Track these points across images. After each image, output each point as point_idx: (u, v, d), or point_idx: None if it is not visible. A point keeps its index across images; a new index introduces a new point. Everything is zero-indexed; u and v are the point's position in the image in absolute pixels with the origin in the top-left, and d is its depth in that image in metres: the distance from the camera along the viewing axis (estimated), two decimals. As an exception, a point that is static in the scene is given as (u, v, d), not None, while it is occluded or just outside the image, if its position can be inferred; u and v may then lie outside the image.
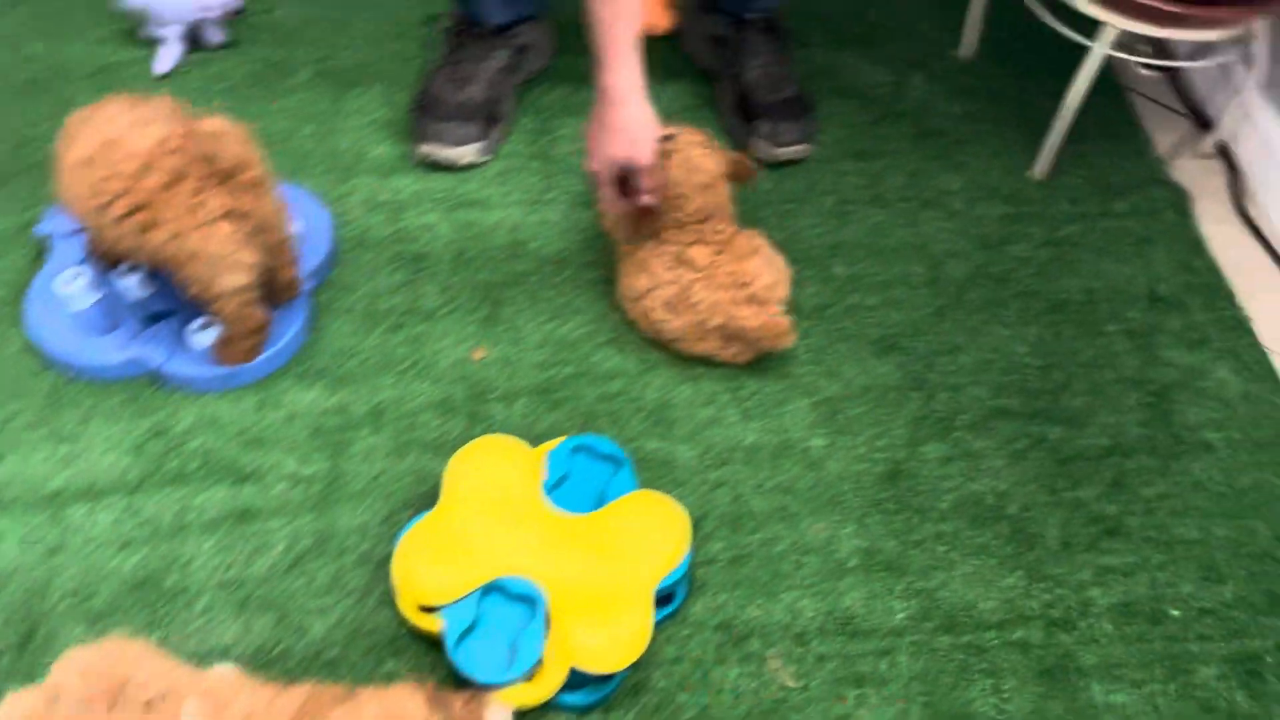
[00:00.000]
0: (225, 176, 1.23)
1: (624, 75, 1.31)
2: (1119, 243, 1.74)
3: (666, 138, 1.45)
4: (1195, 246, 1.75)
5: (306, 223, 1.59)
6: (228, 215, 1.24)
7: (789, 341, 1.49)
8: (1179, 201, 1.81)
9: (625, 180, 1.45)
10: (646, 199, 1.43)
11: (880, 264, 1.69)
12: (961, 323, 1.62)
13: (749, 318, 1.47)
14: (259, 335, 1.41)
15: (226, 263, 1.27)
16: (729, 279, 1.48)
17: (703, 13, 1.86)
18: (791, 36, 1.83)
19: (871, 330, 1.61)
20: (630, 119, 1.34)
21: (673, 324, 1.50)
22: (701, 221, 1.48)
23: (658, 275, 1.49)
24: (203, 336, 1.45)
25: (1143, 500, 1.45)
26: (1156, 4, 1.60)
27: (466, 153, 1.70)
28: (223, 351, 1.42)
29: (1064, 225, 1.76)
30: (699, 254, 1.48)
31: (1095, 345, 1.61)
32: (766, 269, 1.51)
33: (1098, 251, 1.73)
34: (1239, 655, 1.33)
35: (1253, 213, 1.83)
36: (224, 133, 1.23)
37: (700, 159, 1.46)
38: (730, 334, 1.50)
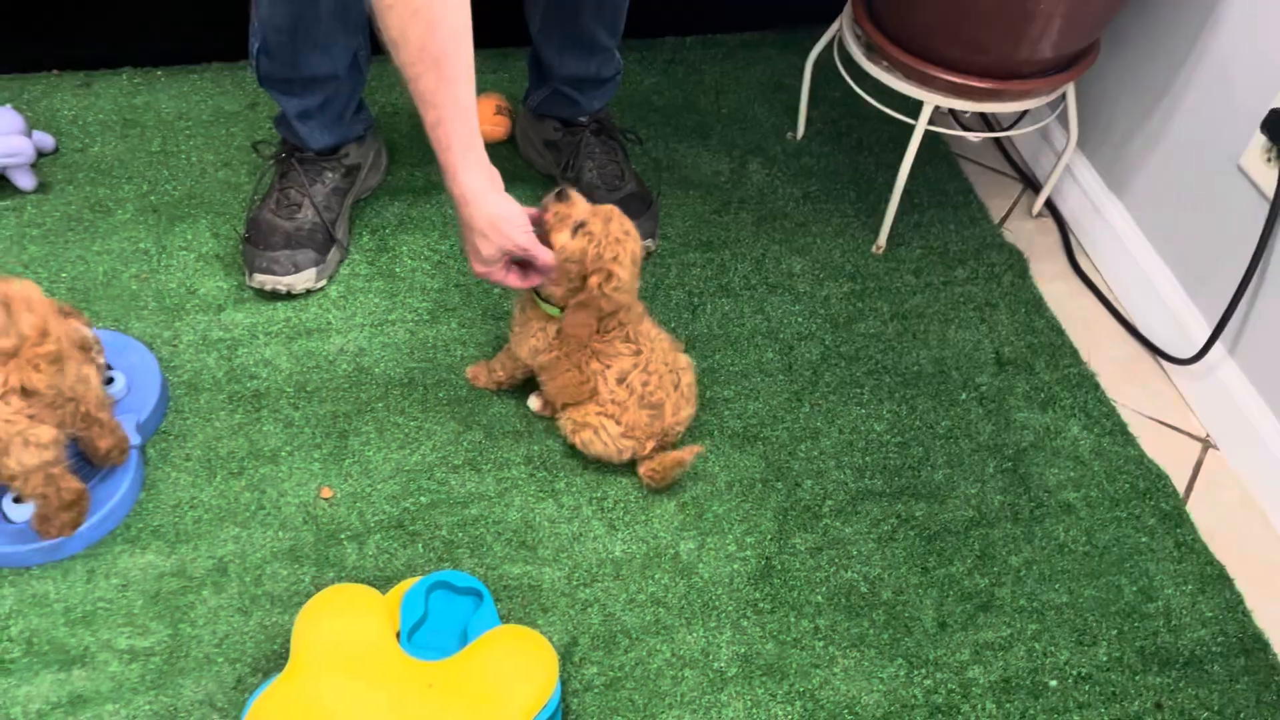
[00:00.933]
0: (12, 352, 1.15)
1: (471, 175, 1.27)
2: (963, 309, 1.78)
3: (560, 213, 1.37)
4: (1036, 306, 1.80)
5: (131, 373, 1.51)
6: (18, 392, 1.16)
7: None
8: (1016, 263, 1.87)
9: (524, 264, 1.39)
10: (546, 272, 1.37)
11: (734, 354, 1.68)
12: (819, 406, 1.62)
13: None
14: (76, 506, 1.31)
15: (16, 443, 1.19)
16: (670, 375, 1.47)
17: (535, 119, 1.85)
18: (622, 135, 1.84)
19: (732, 422, 1.60)
20: (491, 216, 1.30)
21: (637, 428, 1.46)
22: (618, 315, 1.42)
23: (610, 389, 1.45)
24: (18, 510, 1.35)
25: (1011, 570, 1.46)
26: (971, 82, 1.65)
27: (302, 279, 1.64)
28: (41, 526, 1.32)
29: (909, 297, 1.79)
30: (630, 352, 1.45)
31: (950, 415, 1.63)
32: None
33: (943, 320, 1.76)
34: (1120, 719, 1.33)
35: (1084, 267, 1.89)
36: (14, 300, 1.15)
37: (621, 228, 1.38)
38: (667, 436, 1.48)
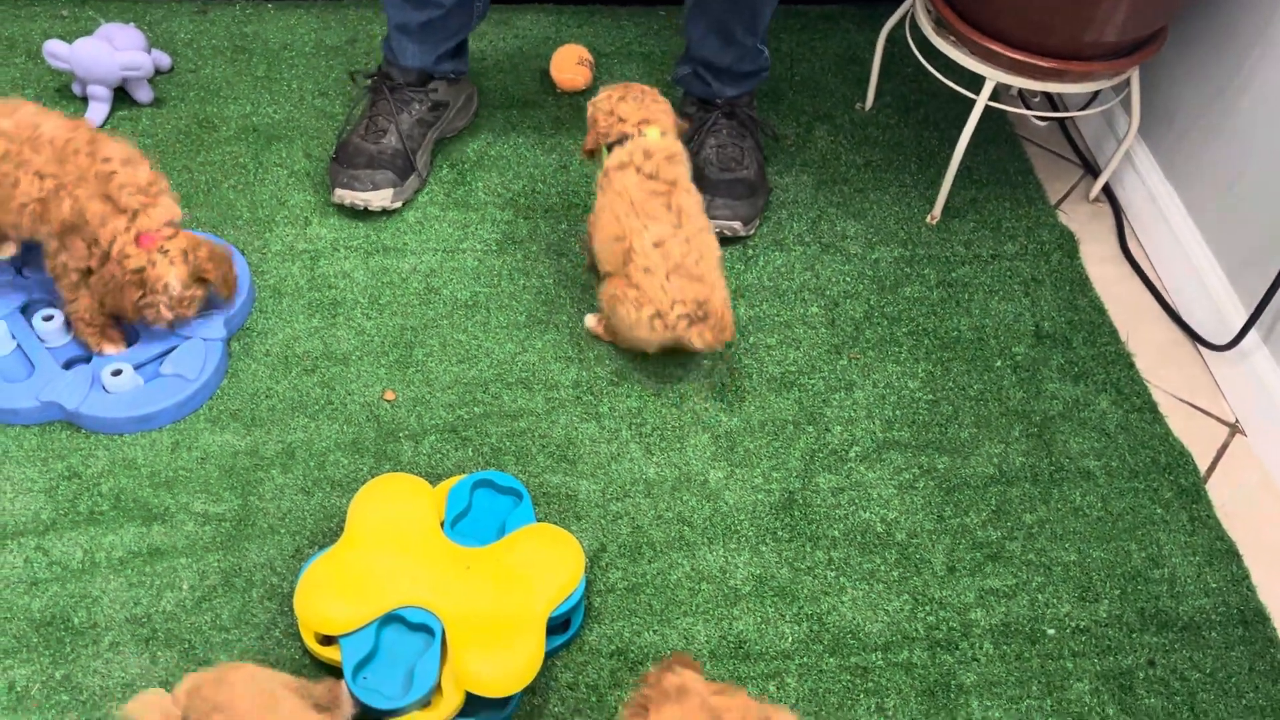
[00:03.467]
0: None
1: None
2: (1008, 283, 1.83)
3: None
4: (1081, 285, 1.85)
5: (224, 271, 1.65)
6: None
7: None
8: (1066, 243, 1.91)
9: None
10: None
11: (781, 305, 1.76)
12: (856, 360, 1.70)
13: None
14: (226, 260, 1.59)
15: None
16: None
17: (676, 87, 1.95)
18: (758, 126, 1.91)
19: (771, 368, 1.68)
20: None
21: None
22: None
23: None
24: (115, 382, 1.50)
25: (1024, 526, 1.52)
26: (1034, 60, 1.70)
27: (379, 197, 1.77)
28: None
29: (957, 267, 1.85)
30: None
31: (983, 380, 1.69)
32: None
33: (988, 291, 1.82)
34: (1112, 671, 1.39)
35: (1135, 252, 1.93)
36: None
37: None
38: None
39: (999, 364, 1.71)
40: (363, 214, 1.81)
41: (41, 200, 1.42)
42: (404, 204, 1.83)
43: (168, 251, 1.47)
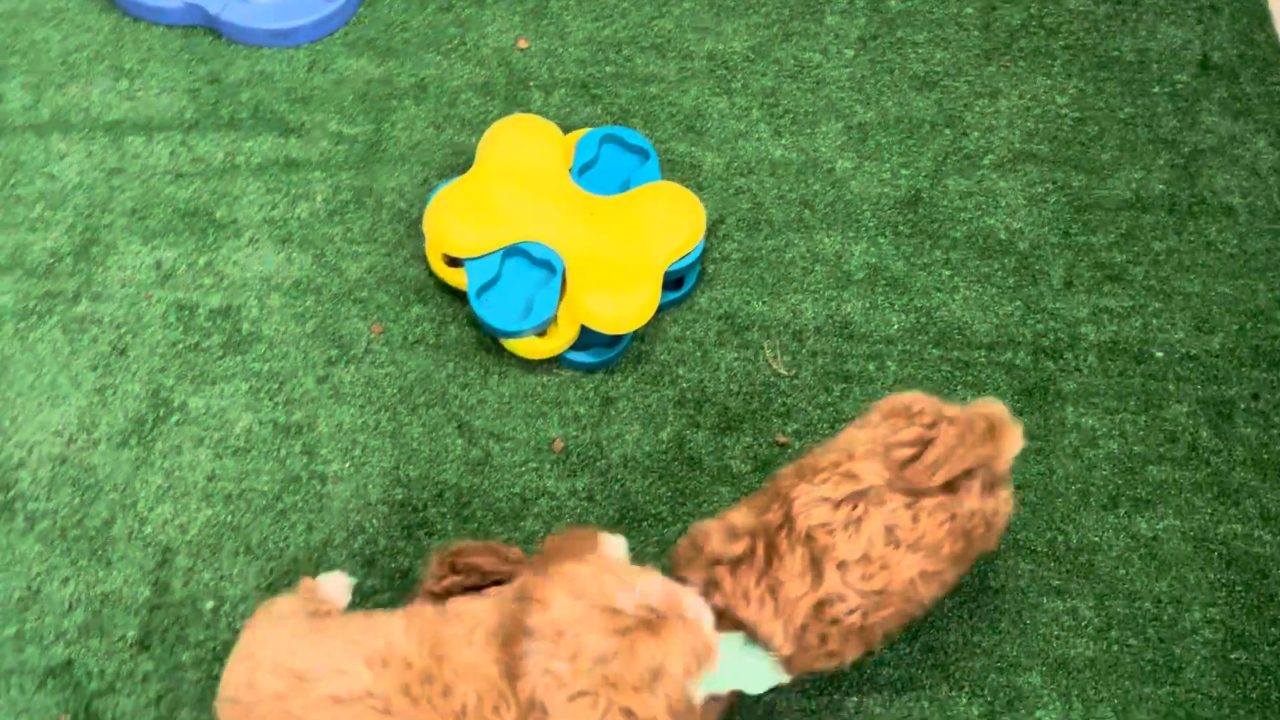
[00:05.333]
0: None
1: None
2: (1182, 6, 1.70)
3: None
4: (1260, 19, 1.71)
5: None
6: None
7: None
8: (1255, -27, 1.76)
9: None
10: None
11: (934, 2, 1.67)
12: (1006, 68, 1.62)
13: None
14: None
15: None
16: None
17: None
18: None
19: (916, 65, 1.61)
20: None
21: None
22: None
23: None
24: (258, -10, 1.49)
25: (1151, 253, 1.49)
26: None
27: None
28: None
29: (1130, -16, 1.72)
30: None
31: (1136, 104, 1.61)
32: None
33: (1158, 13, 1.69)
34: (1213, 399, 1.39)
35: (1330, -8, 1.77)
36: None
37: None
38: None
39: (1156, 90, 1.62)
40: None
41: None
42: None
43: None
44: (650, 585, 0.93)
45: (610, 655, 0.90)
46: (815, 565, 1.01)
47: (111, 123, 1.45)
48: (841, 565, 1.01)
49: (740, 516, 1.05)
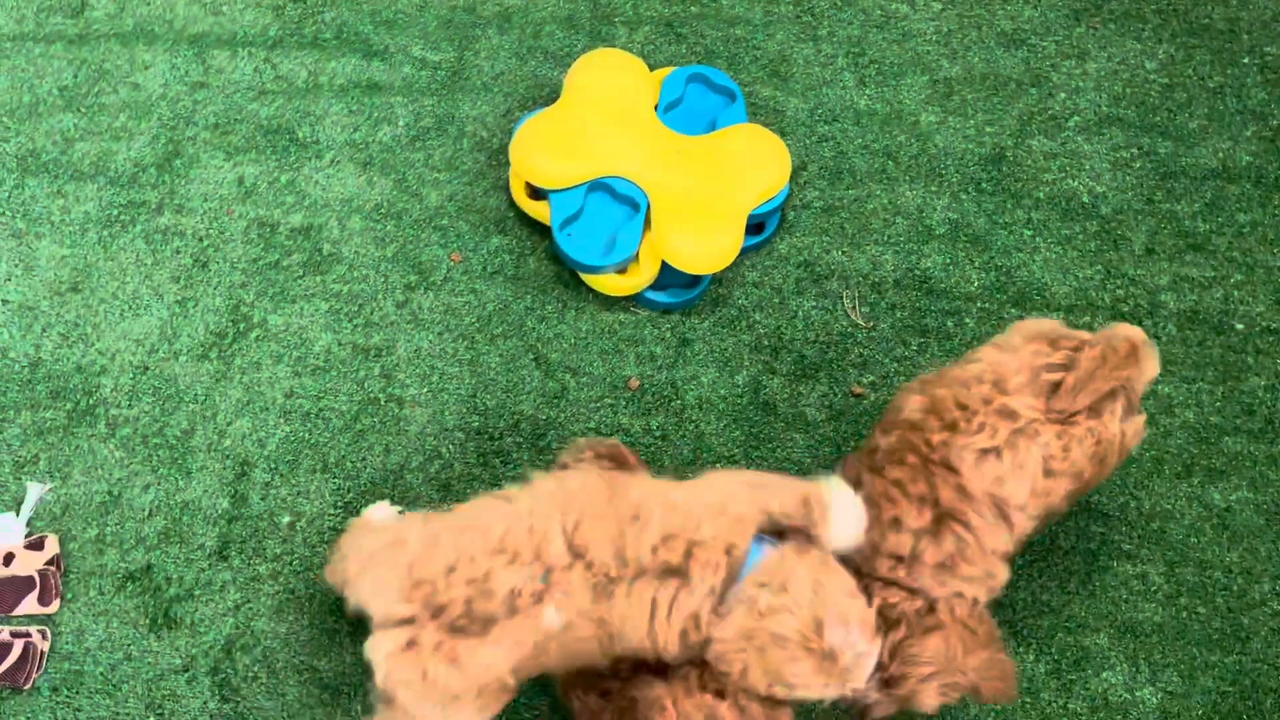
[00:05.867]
0: None
1: None
2: (1278, -23, 1.67)
3: None
4: (1357, -6, 1.68)
5: None
6: None
7: None
8: (1354, -54, 1.72)
9: None
10: None
11: (1025, -42, 1.64)
12: (1095, 30, 1.59)
13: None
14: None
15: None
16: None
17: None
18: None
19: (1004, 22, 1.59)
20: None
21: None
22: None
23: None
24: (348, -92, 1.47)
25: (1236, 224, 1.47)
26: None
27: None
28: None
29: (1225, -50, 1.68)
30: None
31: (1226, 73, 1.58)
32: None
33: (1254, -18, 1.66)
34: (1291, 374, 1.38)
35: None
36: None
37: None
38: None
39: (1246, 60, 1.59)
40: None
41: None
42: None
43: None
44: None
45: None
46: (1005, 518, 1.05)
47: (196, 35, 1.44)
48: (1021, 508, 1.05)
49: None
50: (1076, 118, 1.53)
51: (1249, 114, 1.55)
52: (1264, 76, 1.58)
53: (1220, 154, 1.52)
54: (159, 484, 1.22)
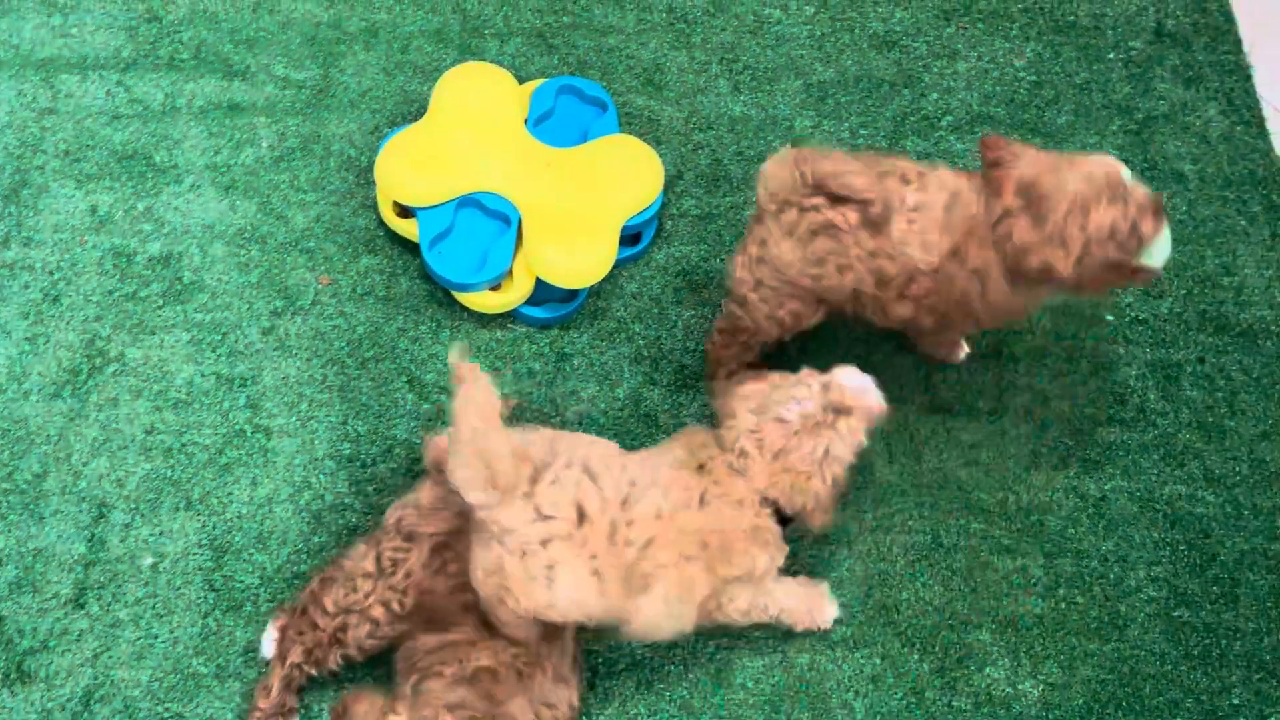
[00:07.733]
0: None
1: None
2: (1139, -26, 1.71)
3: None
4: (1214, -12, 1.72)
5: None
6: None
7: None
8: (1209, -57, 1.77)
9: None
10: None
11: (895, -40, 1.65)
12: (964, 30, 1.61)
13: None
14: None
15: None
16: None
17: None
18: None
19: (876, 25, 1.60)
20: None
21: None
22: None
23: None
24: (200, -76, 1.43)
25: (1104, 217, 1.50)
26: None
27: None
28: None
29: (1087, -51, 1.72)
30: None
31: (1092, 69, 1.61)
32: None
33: (1115, -21, 1.70)
34: (1161, 362, 1.41)
35: (1280, -36, 1.79)
36: None
37: None
38: None
39: (1111, 56, 1.63)
40: None
41: None
42: None
43: None
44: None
45: None
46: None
47: (43, 60, 1.38)
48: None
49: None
50: (949, 117, 1.55)
51: (1114, 108, 1.59)
52: (1128, 71, 1.62)
53: (1088, 148, 1.54)
54: (9, 531, 1.17)
